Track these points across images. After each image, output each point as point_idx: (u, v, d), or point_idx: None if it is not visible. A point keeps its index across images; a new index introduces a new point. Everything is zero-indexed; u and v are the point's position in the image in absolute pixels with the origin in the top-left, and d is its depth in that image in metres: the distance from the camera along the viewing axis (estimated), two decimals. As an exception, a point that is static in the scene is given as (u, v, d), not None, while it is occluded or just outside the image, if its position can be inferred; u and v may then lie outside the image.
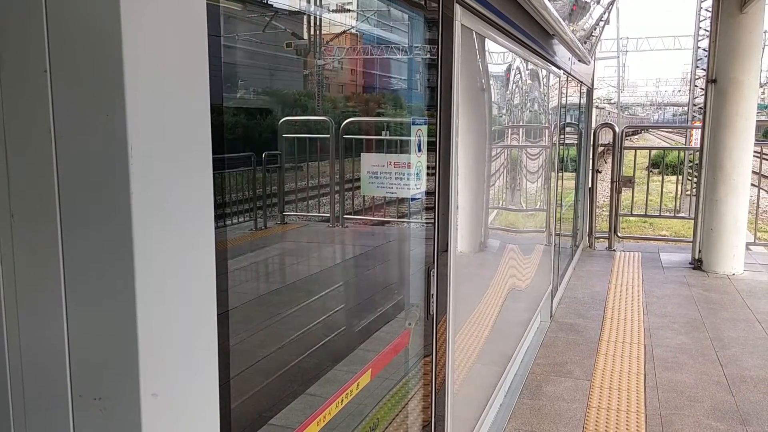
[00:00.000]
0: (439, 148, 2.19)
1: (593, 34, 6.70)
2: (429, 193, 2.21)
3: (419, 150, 2.11)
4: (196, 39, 0.91)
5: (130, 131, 0.80)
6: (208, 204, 0.95)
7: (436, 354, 2.27)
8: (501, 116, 3.50)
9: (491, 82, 3.16)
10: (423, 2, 2.12)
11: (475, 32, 2.60)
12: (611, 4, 7.55)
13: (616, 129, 8.35)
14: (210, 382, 0.99)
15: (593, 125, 8.67)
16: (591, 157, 8.17)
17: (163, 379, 0.89)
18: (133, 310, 0.83)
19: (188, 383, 0.94)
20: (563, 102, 5.51)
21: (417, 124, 2.10)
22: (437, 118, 2.16)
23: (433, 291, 2.19)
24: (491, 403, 3.32)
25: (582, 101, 7.41)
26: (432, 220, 2.22)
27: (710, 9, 7.24)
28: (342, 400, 1.69)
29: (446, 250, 2.31)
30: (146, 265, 0.84)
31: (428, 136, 2.16)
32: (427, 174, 2.18)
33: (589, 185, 8.22)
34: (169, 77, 0.87)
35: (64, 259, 0.86)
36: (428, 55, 2.18)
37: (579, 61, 6.07)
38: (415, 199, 2.20)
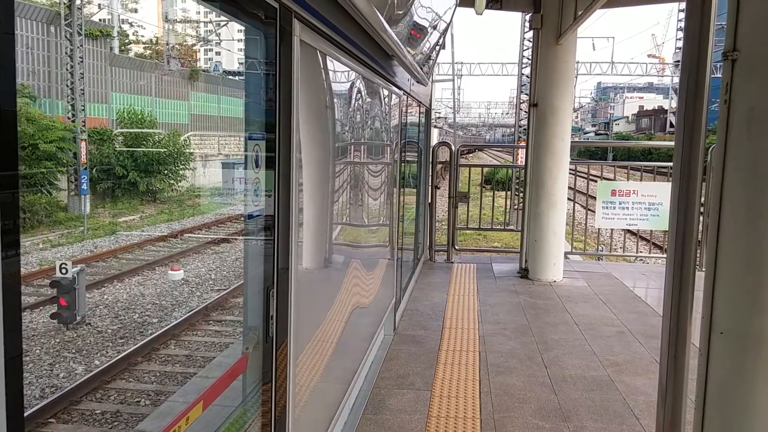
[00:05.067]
0: (279, 164, 2.13)
1: (431, 57, 7.05)
2: (268, 209, 2.13)
3: (257, 166, 2.03)
4: None
5: None
6: None
7: (276, 380, 2.18)
8: (344, 133, 3.52)
9: (335, 99, 3.16)
10: (261, 16, 2.05)
11: (318, 50, 2.58)
12: (446, 30, 8.01)
13: (453, 147, 8.84)
14: None
15: (432, 143, 9.10)
16: (430, 173, 8.56)
17: None
18: None
19: None
20: (404, 121, 5.70)
21: (254, 139, 2.02)
22: (276, 134, 2.10)
23: (273, 312, 2.11)
24: (335, 422, 3.29)
25: (422, 120, 7.75)
26: (271, 237, 2.14)
27: (531, 40, 7.95)
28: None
29: (287, 268, 2.24)
30: None
31: (267, 152, 2.09)
32: (268, 190, 2.11)
33: (429, 200, 8.60)
34: None
35: None
36: (267, 69, 2.12)
37: (418, 82, 6.33)
38: (252, 216, 2.11)
